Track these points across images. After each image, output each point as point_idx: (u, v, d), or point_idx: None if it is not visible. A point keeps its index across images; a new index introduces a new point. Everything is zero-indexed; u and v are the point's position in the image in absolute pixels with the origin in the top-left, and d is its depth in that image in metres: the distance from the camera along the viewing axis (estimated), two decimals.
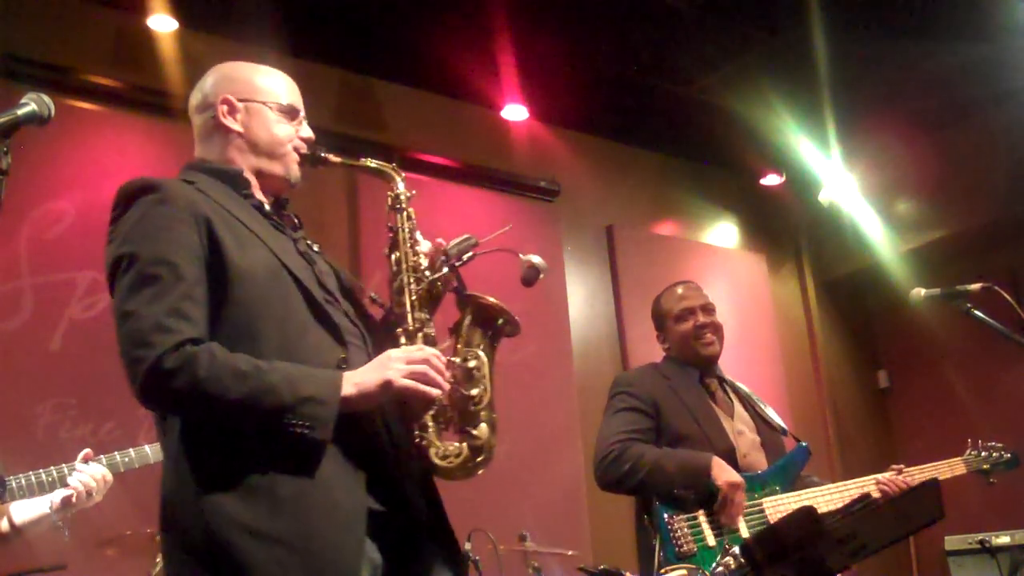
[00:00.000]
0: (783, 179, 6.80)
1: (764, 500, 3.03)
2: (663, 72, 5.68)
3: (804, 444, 3.23)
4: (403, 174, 2.12)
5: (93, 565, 3.54)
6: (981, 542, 5.48)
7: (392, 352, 1.85)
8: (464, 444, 1.91)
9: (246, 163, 2.02)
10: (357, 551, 1.73)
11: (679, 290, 3.40)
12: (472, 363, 1.95)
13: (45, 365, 4.15)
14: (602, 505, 5.49)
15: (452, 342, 2.01)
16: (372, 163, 2.12)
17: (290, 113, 2.06)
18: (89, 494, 2.69)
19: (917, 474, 3.25)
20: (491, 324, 2.01)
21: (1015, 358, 4.04)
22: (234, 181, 1.99)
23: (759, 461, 3.16)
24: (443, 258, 2.04)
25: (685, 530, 2.93)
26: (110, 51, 4.66)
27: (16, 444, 3.80)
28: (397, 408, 1.89)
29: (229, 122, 2.02)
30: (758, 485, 3.06)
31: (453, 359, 1.94)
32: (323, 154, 2.08)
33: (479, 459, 1.92)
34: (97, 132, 4.57)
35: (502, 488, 4.71)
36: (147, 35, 4.71)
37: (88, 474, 2.71)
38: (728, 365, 3.44)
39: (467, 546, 3.88)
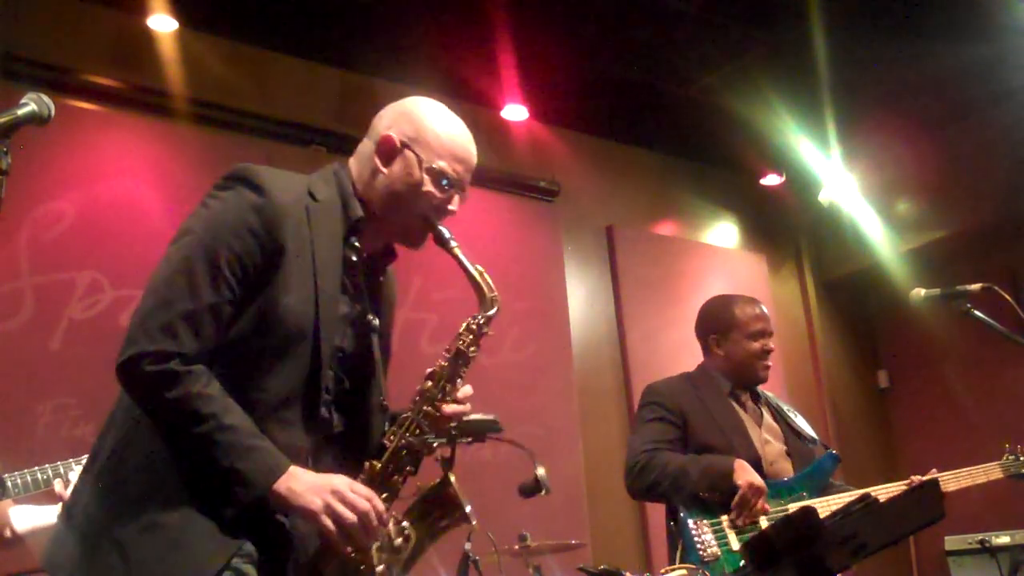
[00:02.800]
0: (783, 179, 6.79)
1: (791, 505, 3.05)
2: (663, 72, 5.68)
3: (833, 451, 3.26)
4: (498, 308, 2.02)
5: None
6: (981, 542, 5.48)
7: (341, 482, 1.78)
8: None
9: (376, 204, 1.97)
10: None
11: (755, 308, 3.42)
12: (399, 541, 1.89)
13: (45, 365, 4.14)
14: (602, 505, 5.50)
15: (413, 502, 1.96)
16: (480, 279, 2.02)
17: (443, 179, 1.97)
18: None
19: (951, 480, 3.23)
20: (447, 514, 1.96)
21: (1015, 358, 4.03)
22: (349, 223, 1.95)
23: (786, 469, 3.22)
24: (456, 425, 1.96)
25: (710, 536, 2.98)
26: (110, 51, 4.66)
27: (16, 444, 3.80)
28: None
29: (379, 162, 1.98)
30: (784, 491, 3.10)
31: (390, 524, 1.87)
32: (448, 238, 1.98)
33: None
34: (97, 132, 4.56)
35: (502, 488, 4.70)
36: (147, 35, 4.71)
37: None
38: None
39: (467, 546, 3.88)
